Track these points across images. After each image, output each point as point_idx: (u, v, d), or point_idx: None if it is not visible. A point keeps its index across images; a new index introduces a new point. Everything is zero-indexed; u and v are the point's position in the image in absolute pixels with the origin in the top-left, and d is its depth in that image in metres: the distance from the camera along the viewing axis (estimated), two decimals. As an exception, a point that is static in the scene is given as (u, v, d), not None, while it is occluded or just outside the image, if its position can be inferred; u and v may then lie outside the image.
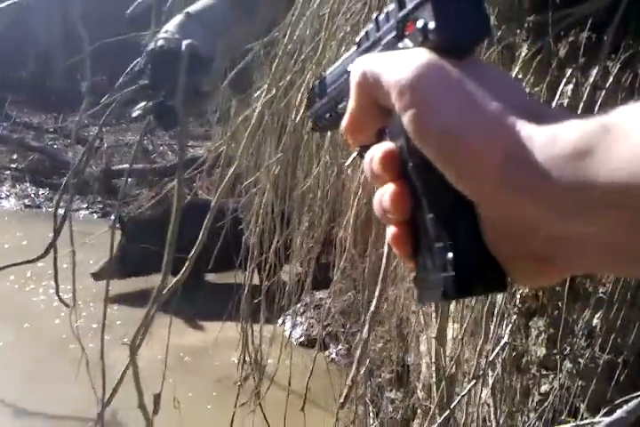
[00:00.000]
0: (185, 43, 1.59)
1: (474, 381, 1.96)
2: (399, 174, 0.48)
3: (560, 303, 1.96)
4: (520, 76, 2.08)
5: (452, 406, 1.83)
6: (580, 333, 1.91)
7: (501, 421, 2.12)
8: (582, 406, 1.89)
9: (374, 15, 0.53)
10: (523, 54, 2.15)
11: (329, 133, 3.21)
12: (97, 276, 5.46)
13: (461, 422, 2.17)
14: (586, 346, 1.92)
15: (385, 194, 0.48)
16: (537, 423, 1.98)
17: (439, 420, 1.93)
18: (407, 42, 0.48)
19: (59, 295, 3.34)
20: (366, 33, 0.55)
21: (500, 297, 2.12)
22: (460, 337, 2.21)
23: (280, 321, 5.14)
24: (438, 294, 0.46)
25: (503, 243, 0.44)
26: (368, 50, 0.54)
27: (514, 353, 2.15)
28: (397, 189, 0.48)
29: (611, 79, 1.88)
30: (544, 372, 2.07)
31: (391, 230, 0.50)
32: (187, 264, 2.60)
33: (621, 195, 0.36)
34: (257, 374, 3.55)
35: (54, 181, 8.45)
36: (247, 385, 3.59)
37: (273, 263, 3.73)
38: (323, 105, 0.65)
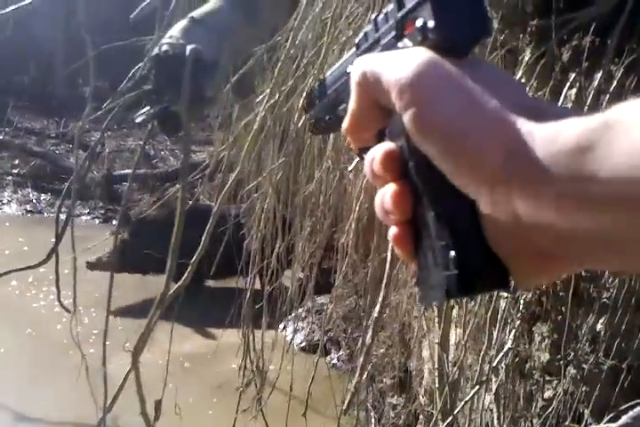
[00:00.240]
0: (189, 48, 1.59)
1: (477, 386, 1.95)
2: (400, 174, 0.48)
3: (564, 309, 1.95)
4: (523, 81, 2.07)
5: (454, 413, 1.82)
6: (584, 338, 1.90)
7: (505, 426, 2.11)
8: (586, 412, 1.88)
9: (373, 16, 0.53)
10: (526, 58, 2.15)
11: (331, 138, 3.21)
12: (93, 266, 5.46)
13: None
14: (590, 351, 1.91)
15: (386, 194, 0.48)
16: (541, 429, 1.97)
17: (442, 426, 1.92)
18: (407, 41, 0.48)
19: (60, 301, 3.33)
20: (365, 34, 0.55)
21: (503, 302, 2.11)
22: (462, 342, 2.20)
23: (282, 326, 5.13)
24: (441, 293, 0.46)
25: (505, 240, 0.44)
26: (367, 51, 0.54)
27: (517, 359, 2.14)
28: (398, 188, 0.48)
29: (614, 83, 1.87)
30: (548, 377, 2.05)
31: (393, 231, 0.50)
32: (188, 270, 2.60)
33: (623, 189, 0.36)
34: (258, 380, 3.53)
35: (56, 187, 8.46)
36: (248, 391, 3.57)
37: (275, 269, 3.72)
38: (322, 107, 0.65)
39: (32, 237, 6.42)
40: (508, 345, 2.02)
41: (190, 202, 5.97)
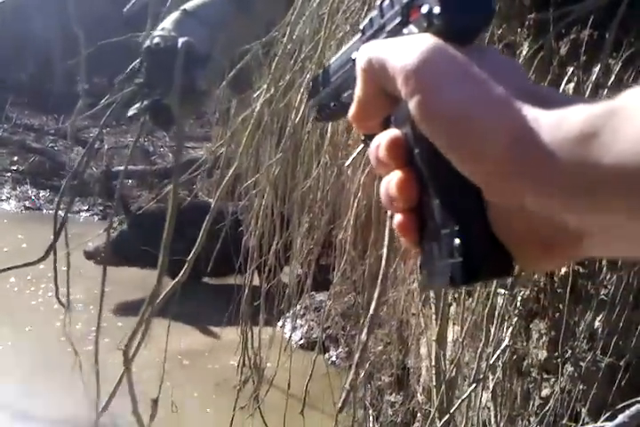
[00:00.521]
0: (181, 40, 1.57)
1: (474, 384, 1.93)
2: (405, 162, 0.48)
3: (561, 306, 1.93)
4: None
5: (451, 411, 1.80)
6: (582, 335, 1.88)
7: (502, 425, 2.09)
8: (584, 411, 1.86)
9: (379, 1, 0.52)
10: (524, 52, 2.13)
11: (328, 134, 3.19)
12: (90, 255, 5.44)
13: (462, 426, 2.14)
14: (587, 349, 1.89)
15: (391, 181, 0.48)
16: (538, 428, 1.95)
17: (439, 424, 1.90)
18: (412, 28, 0.48)
19: (58, 298, 3.33)
20: (370, 20, 0.54)
21: (500, 299, 2.09)
22: (460, 340, 2.18)
23: (280, 323, 5.12)
24: (446, 280, 0.46)
25: (510, 228, 0.44)
26: (372, 37, 0.54)
27: (514, 356, 2.13)
28: (404, 176, 0.48)
29: (613, 77, 1.86)
30: (545, 375, 2.04)
31: (397, 218, 0.50)
32: (185, 267, 2.59)
33: (627, 176, 0.36)
34: (256, 378, 3.52)
35: (55, 183, 8.42)
36: (247, 389, 3.56)
37: (273, 265, 3.71)
38: (327, 94, 0.65)
39: (31, 234, 6.39)
40: (506, 342, 2.00)
41: (189, 198, 5.97)
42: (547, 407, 1.94)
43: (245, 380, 3.52)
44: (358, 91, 0.51)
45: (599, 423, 1.45)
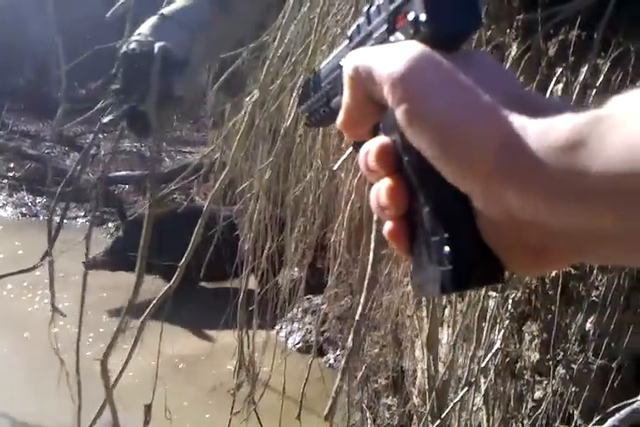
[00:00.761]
0: (157, 45, 1.55)
1: (466, 387, 1.92)
2: (394, 169, 0.48)
3: (553, 307, 1.92)
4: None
5: (442, 416, 1.79)
6: (574, 337, 1.87)
7: (495, 427, 2.08)
8: (576, 413, 1.85)
9: (365, 8, 0.52)
10: (512, 53, 2.12)
11: (320, 137, 3.18)
12: (89, 265, 5.45)
13: (455, 429, 2.13)
14: (579, 351, 1.88)
15: (381, 189, 0.48)
16: (531, 430, 1.94)
17: (431, 428, 1.89)
18: (399, 35, 0.48)
19: (53, 304, 3.31)
20: (358, 26, 0.54)
21: (492, 302, 2.08)
22: (451, 343, 2.17)
23: (278, 327, 5.11)
24: (436, 287, 0.46)
25: (499, 235, 0.44)
26: (360, 44, 0.54)
27: (507, 359, 2.11)
28: (393, 183, 0.48)
29: (601, 78, 1.85)
30: (538, 378, 2.03)
31: (388, 226, 0.50)
32: (177, 272, 2.58)
33: (616, 184, 0.36)
34: (252, 382, 3.50)
35: (51, 190, 8.41)
36: (244, 393, 3.55)
37: (270, 269, 3.70)
38: (317, 100, 0.65)
39: (28, 241, 6.39)
40: (497, 345, 1.99)
41: (185, 202, 5.97)
42: (539, 410, 1.93)
43: (239, 384, 3.50)
44: (346, 98, 0.50)
45: (589, 427, 1.44)
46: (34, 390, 4.32)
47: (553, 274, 1.93)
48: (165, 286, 2.49)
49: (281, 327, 5.14)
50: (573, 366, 1.87)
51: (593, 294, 1.84)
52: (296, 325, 5.18)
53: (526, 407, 2.03)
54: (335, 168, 2.43)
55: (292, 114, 2.97)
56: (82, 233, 2.97)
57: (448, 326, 2.46)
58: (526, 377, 2.05)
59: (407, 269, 3.03)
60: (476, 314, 2.04)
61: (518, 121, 0.41)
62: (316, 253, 4.08)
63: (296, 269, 4.08)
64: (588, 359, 1.84)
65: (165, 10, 1.72)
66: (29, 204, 8.59)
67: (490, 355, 1.96)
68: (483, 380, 2.06)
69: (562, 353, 1.91)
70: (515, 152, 0.40)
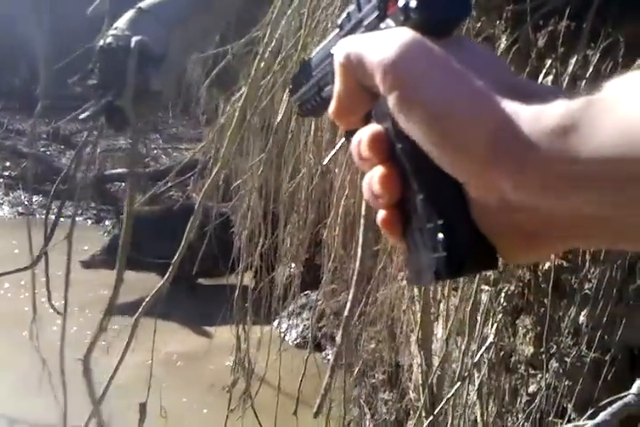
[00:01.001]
0: (134, 39, 1.54)
1: (459, 382, 1.91)
2: (387, 157, 0.48)
3: (545, 300, 1.91)
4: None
5: (435, 412, 1.77)
6: (567, 330, 1.86)
7: (490, 421, 2.07)
8: (570, 406, 1.84)
9: None
10: (502, 45, 2.11)
11: (311, 132, 3.16)
12: (86, 264, 5.47)
13: (450, 423, 2.12)
14: (572, 344, 1.87)
15: (374, 177, 0.48)
16: (525, 425, 1.93)
17: (426, 423, 1.88)
18: (389, 22, 0.47)
19: (51, 303, 3.31)
20: (348, 14, 0.54)
21: (485, 296, 2.07)
22: (444, 338, 2.16)
23: (276, 323, 5.11)
24: (430, 274, 0.46)
25: (492, 221, 0.44)
26: (350, 31, 0.53)
27: (502, 352, 2.10)
28: (386, 171, 0.47)
29: (591, 68, 1.83)
30: (532, 371, 2.02)
31: (381, 214, 0.50)
32: (169, 269, 2.57)
33: (607, 168, 0.36)
34: (247, 378, 3.50)
35: (47, 188, 8.40)
36: (242, 389, 3.55)
37: (266, 265, 3.70)
38: (308, 89, 0.65)
39: (24, 240, 6.37)
40: (491, 339, 1.98)
41: (181, 200, 5.97)
42: (533, 404, 1.92)
43: (234, 381, 3.50)
44: (337, 86, 0.50)
45: (581, 422, 1.43)
46: (35, 390, 4.32)
47: (545, 267, 1.92)
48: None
49: (279, 323, 5.14)
50: (567, 359, 1.86)
51: (585, 287, 1.83)
52: (294, 320, 5.18)
53: (521, 402, 2.02)
54: (325, 163, 2.41)
55: (284, 109, 2.95)
56: (78, 231, 2.96)
57: (443, 321, 2.45)
58: (520, 371, 2.04)
59: (402, 263, 3.02)
60: (469, 308, 2.03)
61: (511, 107, 0.41)
62: (312, 249, 4.07)
63: (293, 264, 4.07)
64: (582, 352, 1.83)
65: (143, 3, 1.70)
66: (26, 202, 8.58)
67: (483, 349, 1.95)
68: (477, 374, 2.05)
69: (555, 346, 1.90)
70: (507, 139, 0.40)
